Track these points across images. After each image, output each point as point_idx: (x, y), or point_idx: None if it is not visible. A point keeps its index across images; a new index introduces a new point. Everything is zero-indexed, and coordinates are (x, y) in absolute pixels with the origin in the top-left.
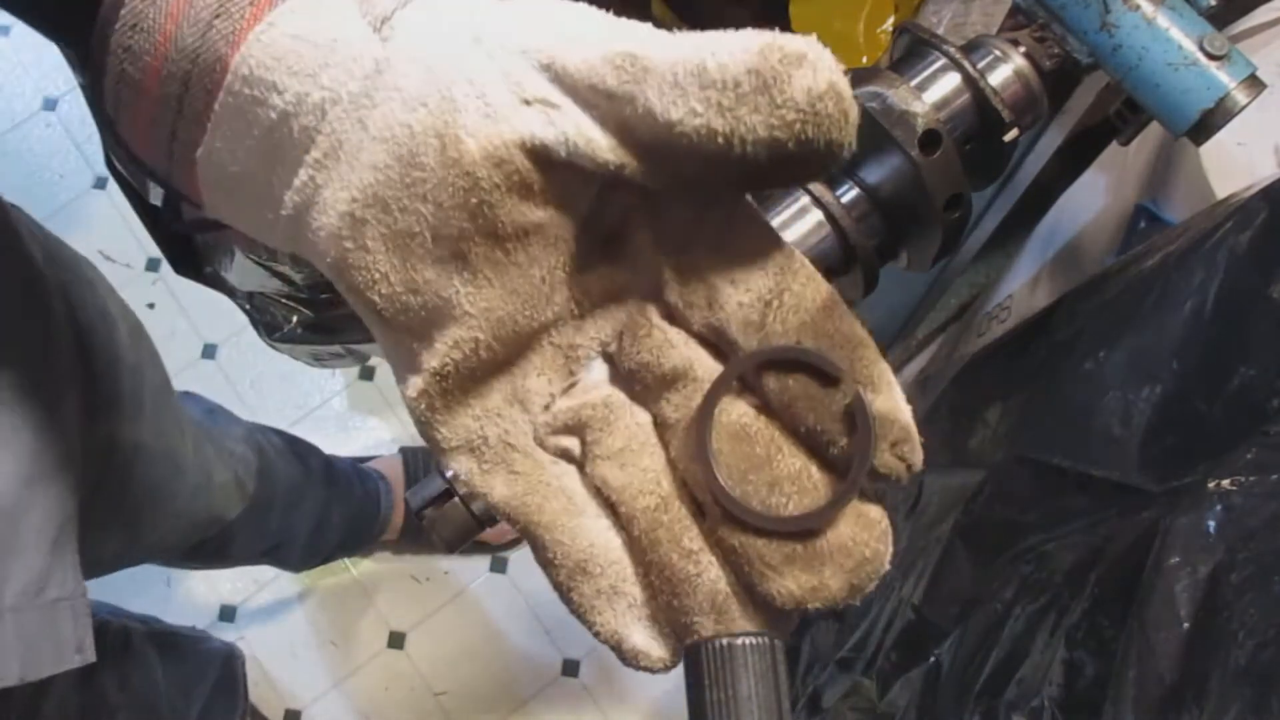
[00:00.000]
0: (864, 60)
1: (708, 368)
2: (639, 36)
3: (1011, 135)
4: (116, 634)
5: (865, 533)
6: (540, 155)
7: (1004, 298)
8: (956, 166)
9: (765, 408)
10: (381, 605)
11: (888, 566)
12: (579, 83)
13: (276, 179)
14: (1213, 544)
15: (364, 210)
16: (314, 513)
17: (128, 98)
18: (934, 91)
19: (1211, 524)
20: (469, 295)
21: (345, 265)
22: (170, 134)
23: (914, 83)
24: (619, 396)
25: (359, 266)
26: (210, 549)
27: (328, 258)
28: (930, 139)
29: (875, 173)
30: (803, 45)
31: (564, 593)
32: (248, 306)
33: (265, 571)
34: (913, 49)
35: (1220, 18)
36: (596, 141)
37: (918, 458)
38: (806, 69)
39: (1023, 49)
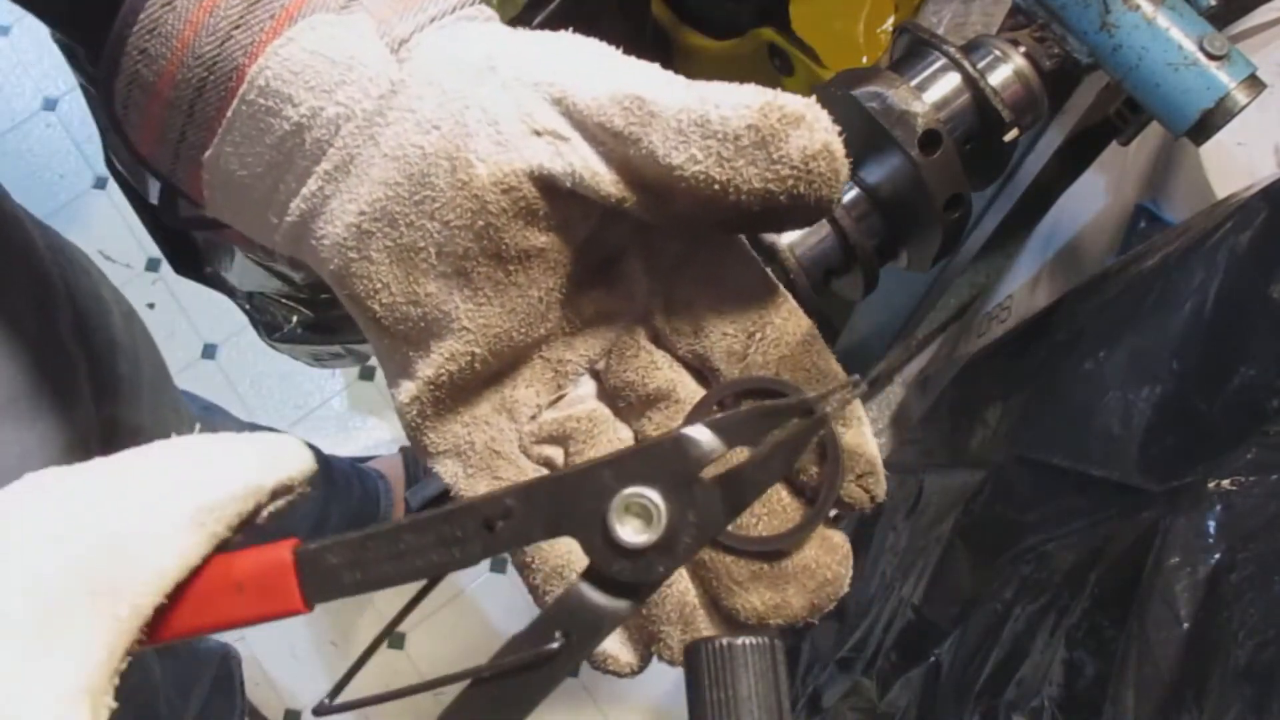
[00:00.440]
0: (864, 60)
1: (690, 390)
2: (648, 80)
3: (1011, 135)
4: None
5: (828, 556)
6: (547, 184)
7: (1004, 298)
8: (956, 166)
9: None
10: (381, 605)
11: (847, 588)
12: (588, 119)
13: (283, 186)
14: (1213, 544)
15: (371, 223)
16: (312, 512)
17: (138, 98)
18: (934, 91)
19: (1211, 524)
20: (468, 311)
21: (348, 274)
22: (179, 135)
23: (914, 83)
24: (604, 411)
25: (362, 276)
26: None
27: (330, 265)
28: (930, 139)
29: (875, 173)
30: (801, 107)
31: (538, 596)
32: (248, 306)
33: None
34: (913, 49)
35: (1220, 18)
36: (600, 176)
37: (881, 490)
38: (804, 129)
39: (1023, 49)
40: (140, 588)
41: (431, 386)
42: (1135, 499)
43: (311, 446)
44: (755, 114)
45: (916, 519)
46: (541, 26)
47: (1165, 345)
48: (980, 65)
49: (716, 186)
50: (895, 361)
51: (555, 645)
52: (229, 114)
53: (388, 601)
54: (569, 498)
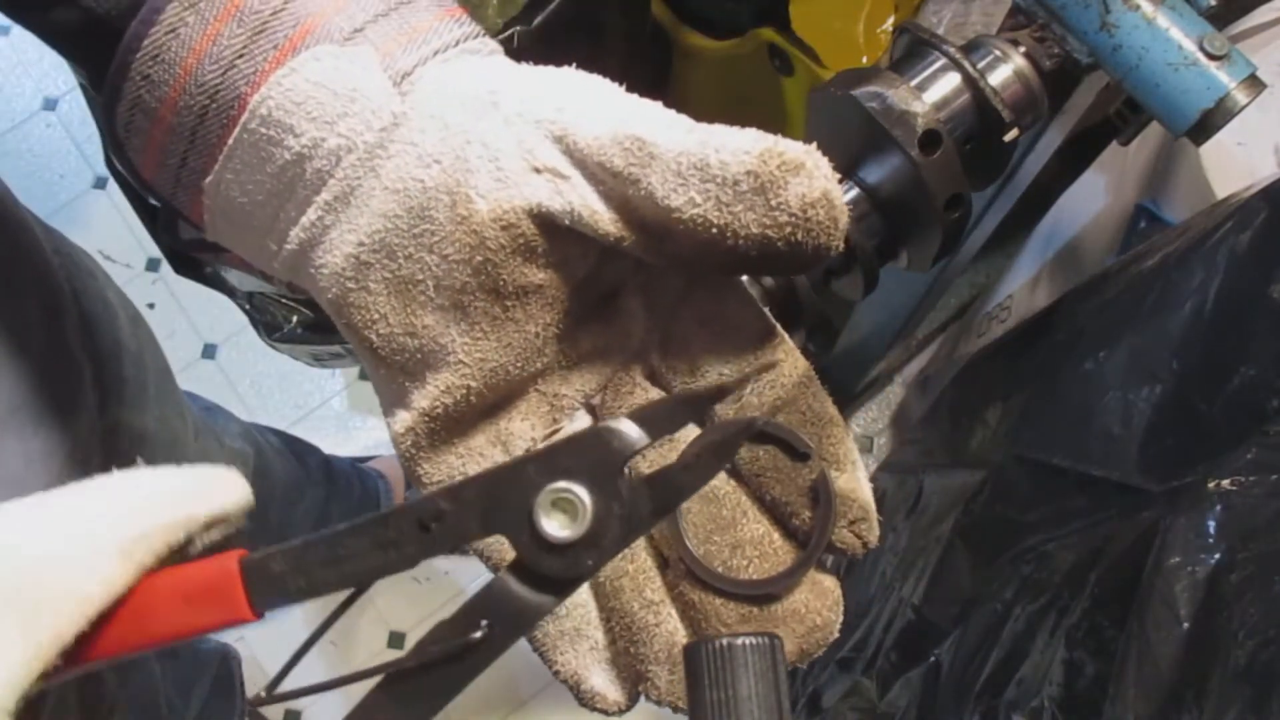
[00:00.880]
0: (864, 60)
1: (685, 430)
2: (650, 120)
3: (1011, 135)
4: None
5: (818, 601)
6: (546, 222)
7: (1004, 298)
8: (956, 166)
9: (735, 474)
10: (381, 605)
11: (836, 634)
12: (588, 158)
13: (283, 215)
14: (1213, 544)
15: (370, 254)
16: (313, 512)
17: (140, 124)
18: (934, 91)
19: (1211, 524)
20: (465, 345)
21: (346, 303)
22: (180, 161)
23: (914, 83)
24: None
25: (359, 306)
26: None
27: (329, 294)
28: (930, 139)
29: (875, 173)
30: (801, 153)
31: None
32: (248, 306)
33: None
34: (913, 49)
35: (1220, 18)
36: (600, 214)
37: (874, 536)
38: (803, 177)
39: (1023, 49)
40: (61, 613)
41: (426, 418)
42: (1135, 499)
43: (311, 446)
44: (755, 160)
45: (916, 519)
46: (542, 26)
47: (1165, 345)
48: (980, 65)
49: (714, 230)
50: (895, 361)
51: (478, 635)
52: (230, 142)
53: (388, 602)
54: (497, 495)
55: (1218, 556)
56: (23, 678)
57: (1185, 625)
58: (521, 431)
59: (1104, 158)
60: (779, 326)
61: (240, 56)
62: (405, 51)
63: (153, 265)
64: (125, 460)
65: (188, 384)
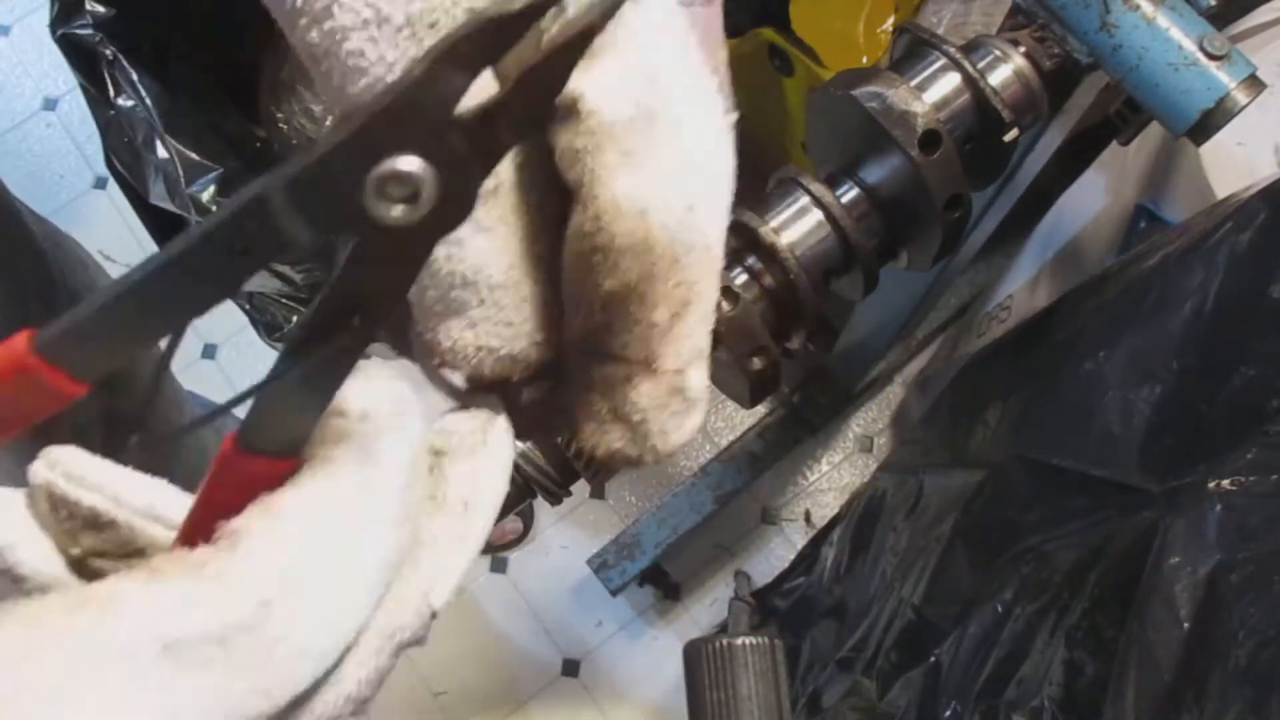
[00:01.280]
0: (864, 60)
1: None
2: None
3: (1011, 135)
4: None
5: None
6: None
7: (1004, 298)
8: (956, 166)
9: None
10: None
11: None
12: None
13: None
14: (1213, 544)
15: None
16: None
17: None
18: (934, 91)
19: (1211, 524)
20: None
21: None
22: None
23: (914, 83)
24: None
25: None
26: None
27: None
28: (930, 139)
29: (875, 173)
30: None
31: None
32: (248, 306)
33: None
34: (913, 49)
35: (1220, 18)
36: None
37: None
38: None
39: (1023, 49)
40: None
41: None
42: (1135, 499)
43: None
44: None
45: (916, 519)
46: None
47: (1165, 345)
48: (980, 65)
49: None
50: (895, 361)
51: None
52: None
53: None
54: (317, 198)
55: (1218, 556)
56: None
57: (1185, 625)
58: None
59: (1104, 158)
60: None
61: None
62: None
63: None
64: (116, 450)
65: (188, 384)
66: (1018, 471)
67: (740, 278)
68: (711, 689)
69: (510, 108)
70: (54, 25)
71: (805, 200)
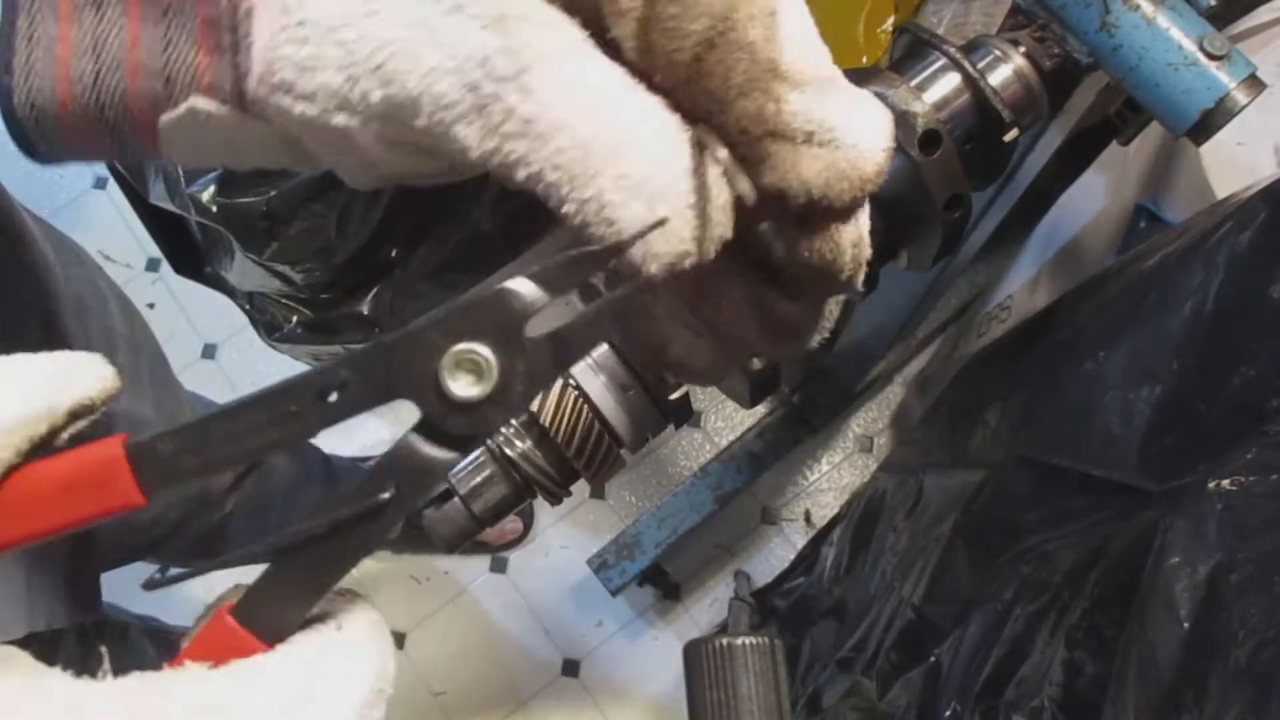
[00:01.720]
0: (864, 60)
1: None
2: None
3: (1011, 135)
4: (115, 627)
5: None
6: None
7: (1004, 298)
8: (956, 166)
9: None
10: (381, 605)
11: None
12: None
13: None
14: (1213, 544)
15: None
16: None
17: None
18: (934, 91)
19: (1211, 524)
20: None
21: None
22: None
23: (914, 83)
24: None
25: None
26: (210, 546)
27: None
28: (930, 139)
29: None
30: None
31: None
32: (248, 306)
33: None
34: (913, 49)
35: (1220, 18)
36: None
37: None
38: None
39: (1023, 49)
40: None
41: None
42: (1135, 499)
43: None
44: None
45: (916, 519)
46: None
47: (1165, 345)
48: (980, 65)
49: None
50: (895, 361)
51: (386, 496)
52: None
53: (388, 601)
54: (400, 361)
55: (1218, 556)
56: None
57: (1185, 625)
58: None
59: (1104, 158)
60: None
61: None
62: None
63: (153, 265)
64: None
65: (188, 384)
66: (1018, 471)
67: None
68: (711, 689)
69: (571, 331)
70: None
71: None
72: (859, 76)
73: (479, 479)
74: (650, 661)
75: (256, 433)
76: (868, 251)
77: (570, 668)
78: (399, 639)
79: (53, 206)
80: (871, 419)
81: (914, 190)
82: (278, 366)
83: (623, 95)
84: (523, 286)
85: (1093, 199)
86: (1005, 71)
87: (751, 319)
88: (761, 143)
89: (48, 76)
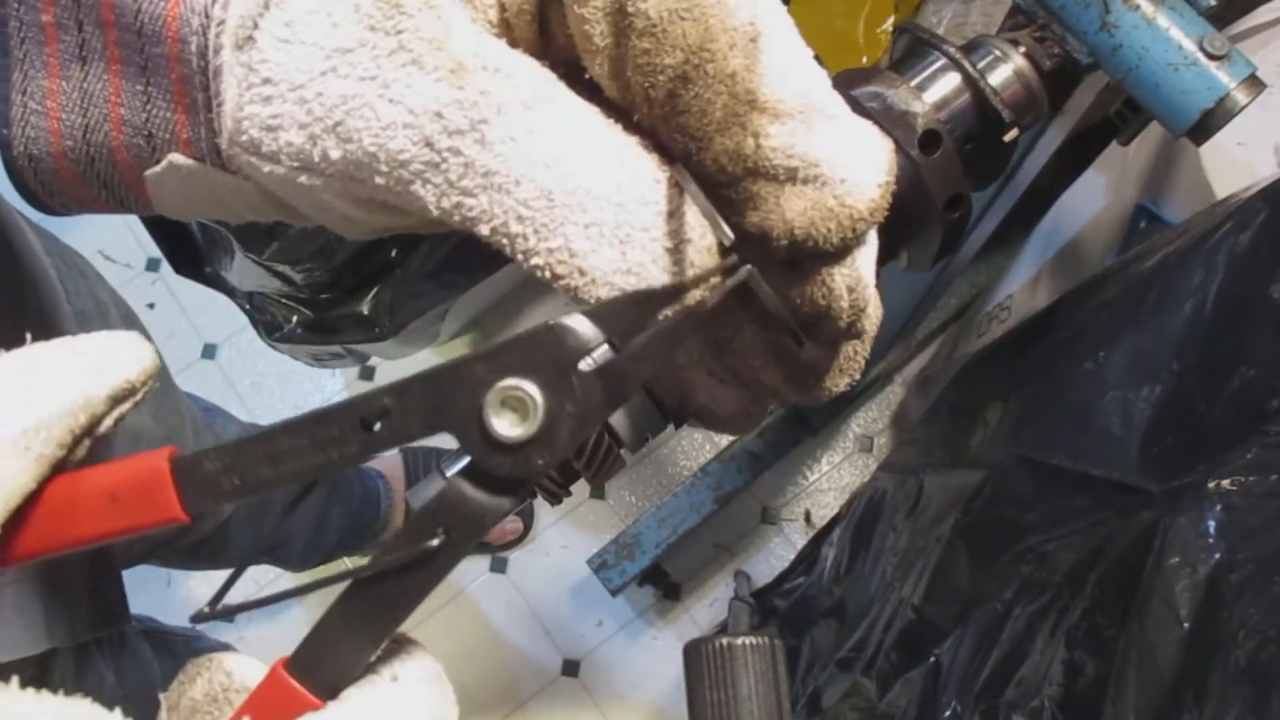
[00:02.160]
0: (864, 60)
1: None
2: None
3: (1012, 135)
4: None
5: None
6: None
7: (1004, 298)
8: (957, 166)
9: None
10: None
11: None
12: None
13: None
14: (1213, 544)
15: None
16: (313, 512)
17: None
18: (934, 91)
19: (1211, 524)
20: None
21: None
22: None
23: (914, 83)
24: None
25: None
26: (209, 549)
27: None
28: (930, 139)
29: None
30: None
31: None
32: (248, 306)
33: (266, 572)
34: (913, 49)
35: (1220, 18)
36: None
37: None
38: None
39: (1023, 49)
40: None
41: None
42: (1135, 499)
43: None
44: None
45: (916, 519)
46: None
47: (1165, 345)
48: (980, 65)
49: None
50: (895, 361)
51: (435, 543)
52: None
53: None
54: (445, 393)
55: (1218, 556)
56: None
57: (1185, 625)
58: None
59: (1104, 158)
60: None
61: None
62: None
63: (153, 265)
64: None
65: (188, 384)
66: (1018, 471)
67: None
68: (711, 689)
69: (623, 364)
70: None
71: None
72: (859, 76)
73: None
74: (650, 661)
75: (298, 456)
76: (869, 296)
77: (570, 668)
78: None
79: None
80: (871, 419)
81: (914, 190)
82: (278, 366)
83: (592, 138)
84: (579, 324)
85: (1093, 199)
86: (1005, 71)
87: (773, 365)
88: (742, 182)
89: (41, 129)
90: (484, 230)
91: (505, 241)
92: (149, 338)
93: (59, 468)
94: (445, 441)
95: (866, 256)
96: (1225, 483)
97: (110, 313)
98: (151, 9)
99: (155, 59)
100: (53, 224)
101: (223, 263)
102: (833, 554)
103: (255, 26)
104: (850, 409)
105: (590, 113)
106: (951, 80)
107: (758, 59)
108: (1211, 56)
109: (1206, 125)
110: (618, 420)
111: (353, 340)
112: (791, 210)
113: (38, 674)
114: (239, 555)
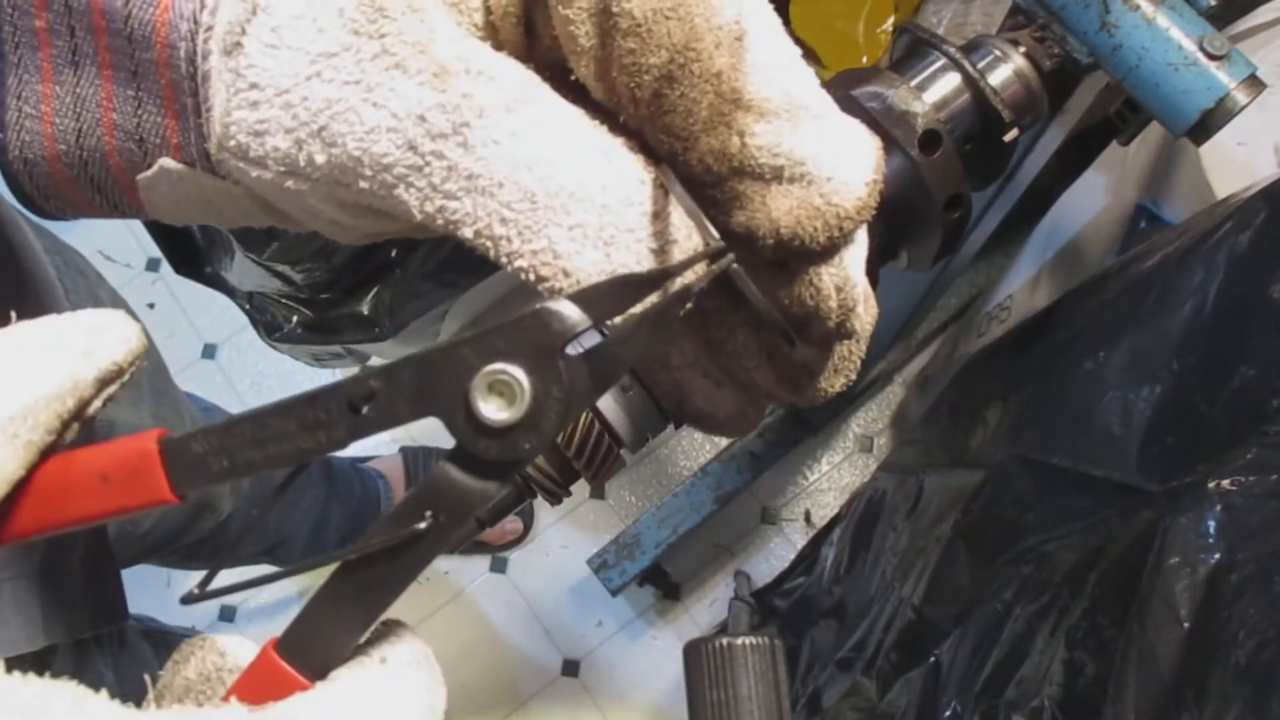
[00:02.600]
0: (864, 60)
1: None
2: None
3: (1012, 135)
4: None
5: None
6: None
7: (1004, 298)
8: (957, 166)
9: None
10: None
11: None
12: None
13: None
14: (1213, 544)
15: None
16: (313, 511)
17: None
18: (934, 91)
19: (1211, 524)
20: None
21: None
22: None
23: (914, 83)
24: None
25: None
26: (209, 549)
27: None
28: (930, 139)
29: None
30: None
31: None
32: (248, 306)
33: (266, 572)
34: (913, 49)
35: (1220, 18)
36: None
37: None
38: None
39: (1023, 49)
40: None
41: None
42: (1135, 499)
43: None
44: None
45: (916, 519)
46: None
47: (1165, 345)
48: (980, 65)
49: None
50: (895, 361)
51: (423, 526)
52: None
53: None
54: (432, 377)
55: (1218, 556)
56: None
57: (1185, 625)
58: None
59: (1104, 158)
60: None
61: None
62: None
63: (153, 265)
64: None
65: (188, 384)
66: (1018, 471)
67: None
68: (711, 689)
69: (609, 347)
70: None
71: None
72: (859, 76)
73: None
74: (650, 661)
75: (286, 439)
76: (858, 295)
77: (570, 668)
78: None
79: None
80: (871, 419)
81: (914, 190)
82: (278, 366)
83: (577, 140)
84: (564, 307)
85: (1093, 199)
86: (1005, 71)
87: (766, 366)
88: (728, 182)
89: (36, 133)
90: (468, 233)
91: (489, 244)
92: (148, 336)
93: (48, 453)
94: (445, 442)
95: (855, 256)
96: (1225, 483)
97: None
98: (141, 15)
99: (145, 64)
100: (53, 224)
101: (223, 263)
102: (833, 554)
103: (243, 32)
104: (850, 409)
105: (575, 114)
106: (951, 80)
107: (743, 58)
108: (1211, 56)
109: (1206, 125)
110: (618, 420)
111: (353, 340)
112: (778, 209)
113: (36, 671)
114: (240, 555)
